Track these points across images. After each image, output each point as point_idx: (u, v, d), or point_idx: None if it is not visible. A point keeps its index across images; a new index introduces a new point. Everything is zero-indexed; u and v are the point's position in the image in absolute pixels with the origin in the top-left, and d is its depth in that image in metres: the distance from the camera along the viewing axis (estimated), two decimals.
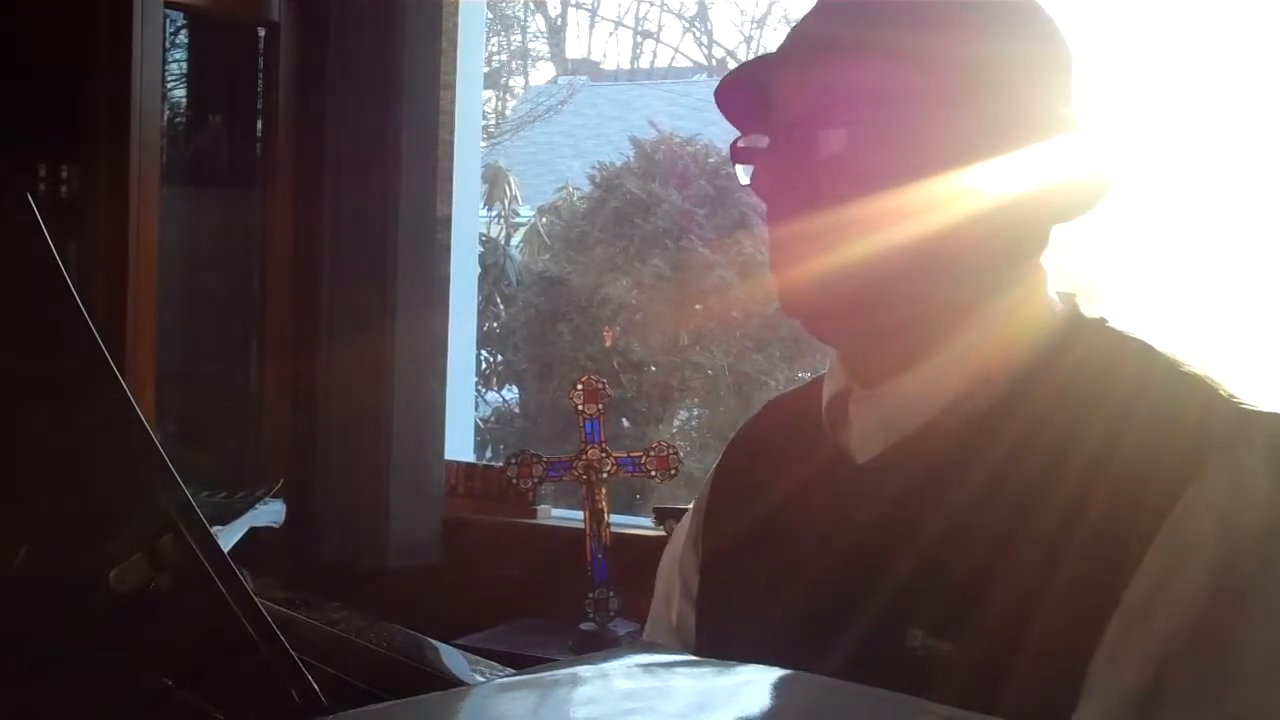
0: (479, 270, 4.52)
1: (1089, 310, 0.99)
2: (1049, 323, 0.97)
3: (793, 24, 1.02)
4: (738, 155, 1.02)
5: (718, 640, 1.05)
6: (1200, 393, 0.90)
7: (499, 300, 7.36)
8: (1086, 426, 0.89)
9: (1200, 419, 0.88)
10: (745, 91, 1.00)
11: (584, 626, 2.93)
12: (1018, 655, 0.85)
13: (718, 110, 1.03)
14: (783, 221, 0.96)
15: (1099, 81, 0.99)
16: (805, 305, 0.99)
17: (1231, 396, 0.90)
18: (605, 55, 15.16)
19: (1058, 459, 0.89)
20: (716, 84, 1.01)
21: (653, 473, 3.00)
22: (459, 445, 3.47)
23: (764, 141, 0.99)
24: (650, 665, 0.75)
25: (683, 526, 1.17)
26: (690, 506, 1.18)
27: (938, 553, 0.90)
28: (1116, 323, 0.98)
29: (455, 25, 3.20)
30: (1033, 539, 0.87)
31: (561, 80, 13.08)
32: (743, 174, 1.01)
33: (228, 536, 1.74)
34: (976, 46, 0.94)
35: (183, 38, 3.52)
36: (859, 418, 1.00)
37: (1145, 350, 0.94)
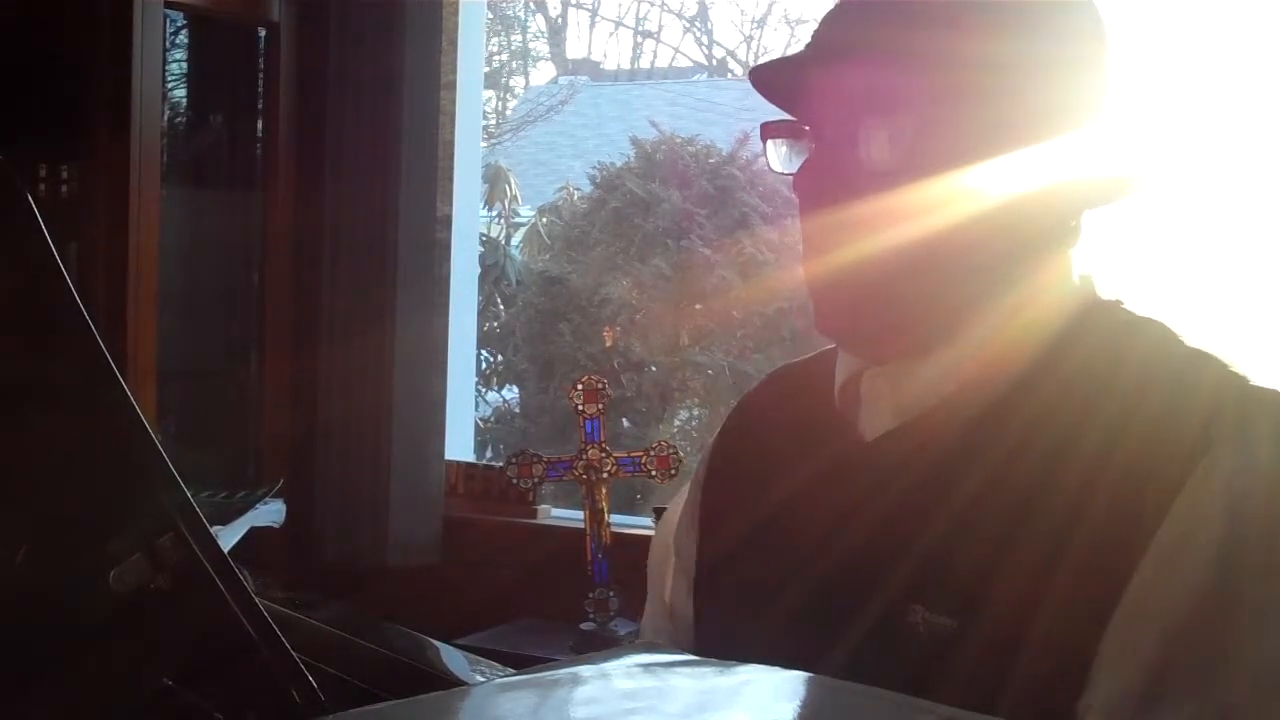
0: (479, 270, 4.52)
1: (1106, 292, 0.99)
2: (1066, 306, 0.97)
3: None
4: (769, 132, 1.02)
5: (724, 622, 1.05)
6: (1211, 371, 0.91)
7: (499, 300, 7.36)
8: (1098, 407, 0.90)
9: (1210, 397, 0.89)
10: (785, 77, 1.00)
11: (584, 626, 2.93)
12: (1025, 632, 0.85)
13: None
14: (817, 216, 0.97)
15: (1133, 74, 0.99)
16: (843, 320, 0.98)
17: (1242, 375, 0.90)
18: (605, 55, 15.17)
19: (1069, 439, 0.89)
20: (750, 70, 1.01)
21: (653, 473, 3.00)
22: (459, 445, 3.47)
23: (799, 128, 0.99)
24: (650, 665, 0.75)
25: (677, 505, 1.17)
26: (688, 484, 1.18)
27: (946, 529, 0.90)
28: (1132, 305, 0.98)
29: (455, 25, 3.20)
30: (1042, 517, 0.87)
31: (562, 80, 13.07)
32: (773, 153, 1.02)
33: (228, 536, 1.74)
34: (1016, 44, 0.94)
35: (183, 38, 3.52)
36: (871, 395, 1.00)
37: (1159, 330, 0.95)
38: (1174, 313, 0.97)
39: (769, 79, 1.00)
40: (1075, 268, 0.99)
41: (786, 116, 1.01)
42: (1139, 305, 0.98)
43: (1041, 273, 0.97)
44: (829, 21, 1.00)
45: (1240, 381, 0.90)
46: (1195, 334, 0.94)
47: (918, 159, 0.93)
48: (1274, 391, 0.89)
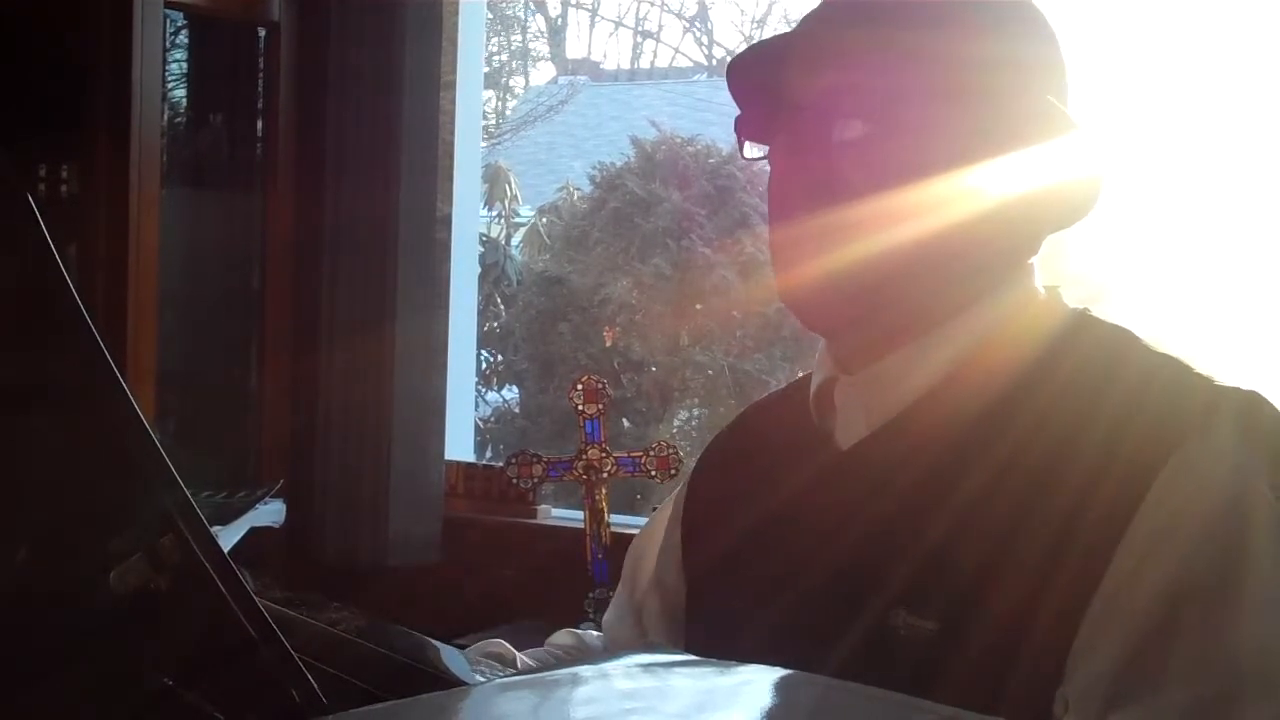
0: (479, 270, 4.52)
1: (1071, 301, 1.01)
2: (1033, 313, 0.99)
3: (794, 24, 1.03)
4: (742, 129, 1.03)
5: (713, 636, 1.06)
6: (1177, 373, 0.93)
7: (499, 300, 7.36)
8: (1067, 409, 0.91)
9: (1177, 397, 0.90)
10: (758, 69, 1.01)
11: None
12: (1006, 633, 0.86)
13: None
14: (786, 213, 0.97)
15: (1094, 81, 1.01)
16: (805, 298, 1.00)
17: (1208, 375, 0.92)
18: (605, 55, 15.16)
19: (1038, 440, 0.90)
20: (725, 71, 1.03)
21: (653, 473, 3.00)
22: (459, 445, 3.47)
23: (772, 123, 1.00)
24: (650, 665, 0.75)
25: (660, 519, 1.19)
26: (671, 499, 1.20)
27: (926, 533, 0.91)
28: (1099, 312, 1.00)
29: (455, 25, 3.20)
30: (1013, 517, 0.88)
31: (562, 80, 13.06)
32: (751, 150, 1.03)
33: (228, 536, 1.75)
34: (986, 47, 0.96)
35: (183, 38, 3.52)
36: (844, 404, 1.01)
37: (1125, 336, 0.97)
38: (1140, 320, 0.99)
39: (748, 66, 1.01)
40: (1036, 274, 1.01)
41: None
42: (1104, 312, 1.00)
43: (1011, 281, 0.99)
44: (816, 14, 1.01)
45: (1205, 382, 0.92)
46: (1158, 339, 0.96)
47: (894, 163, 0.94)
48: (1237, 389, 0.91)
